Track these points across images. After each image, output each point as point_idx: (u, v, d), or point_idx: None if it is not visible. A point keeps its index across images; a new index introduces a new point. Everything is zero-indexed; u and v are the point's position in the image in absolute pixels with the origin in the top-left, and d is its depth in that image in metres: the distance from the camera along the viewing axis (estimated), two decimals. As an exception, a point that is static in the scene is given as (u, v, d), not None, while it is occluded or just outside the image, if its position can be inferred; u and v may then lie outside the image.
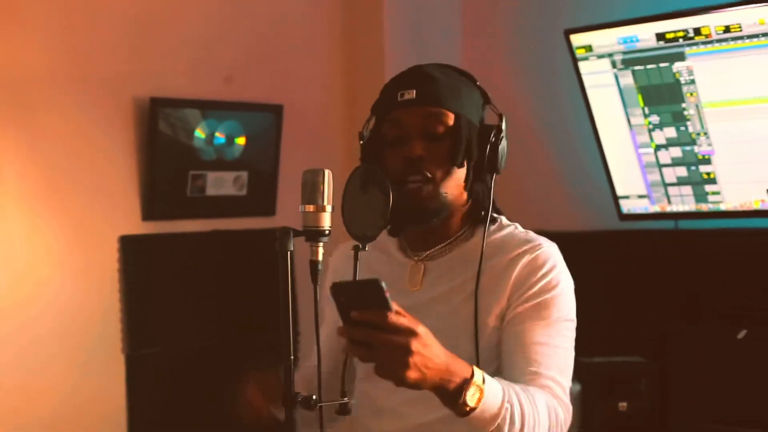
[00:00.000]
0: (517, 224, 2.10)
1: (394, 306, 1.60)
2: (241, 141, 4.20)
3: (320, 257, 1.75)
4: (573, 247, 4.04)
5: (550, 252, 2.00)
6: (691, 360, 3.77)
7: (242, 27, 4.29)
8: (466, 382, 1.67)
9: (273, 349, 1.77)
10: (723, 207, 3.80)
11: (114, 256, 3.90)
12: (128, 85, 3.93)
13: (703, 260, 3.87)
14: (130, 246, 3.92)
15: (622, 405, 3.75)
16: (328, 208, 1.75)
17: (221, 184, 4.18)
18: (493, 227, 2.06)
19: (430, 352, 1.61)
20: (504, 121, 2.05)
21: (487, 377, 1.72)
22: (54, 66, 3.76)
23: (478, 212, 2.06)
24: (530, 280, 1.96)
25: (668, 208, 3.96)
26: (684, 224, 3.98)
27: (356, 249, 1.85)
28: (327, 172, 1.75)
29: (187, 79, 4.09)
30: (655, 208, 4.00)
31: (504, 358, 1.95)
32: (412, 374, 1.59)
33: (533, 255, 1.98)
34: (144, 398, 3.95)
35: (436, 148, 1.98)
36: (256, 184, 4.28)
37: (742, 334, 3.60)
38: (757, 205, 3.71)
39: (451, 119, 1.99)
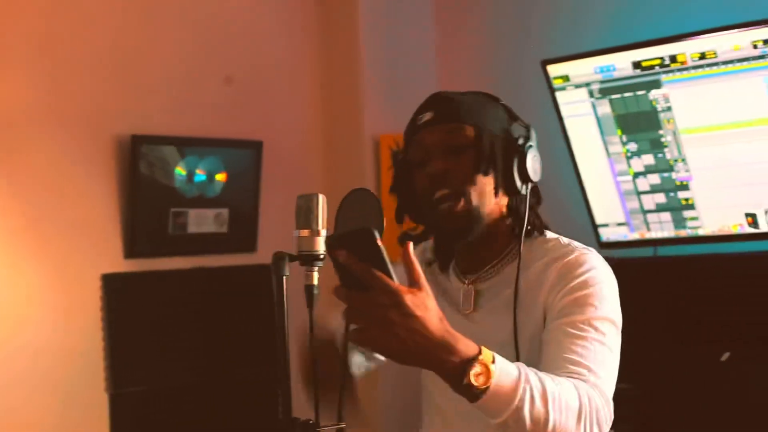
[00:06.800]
0: (561, 236, 2.06)
1: (387, 258, 1.49)
2: (221, 177, 4.21)
3: (315, 281, 1.75)
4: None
5: (587, 257, 1.95)
6: (674, 384, 3.77)
7: (221, 65, 4.31)
8: (470, 362, 1.52)
9: (258, 382, 1.75)
10: (701, 232, 3.84)
11: (96, 295, 3.89)
12: (109, 122, 3.95)
13: (684, 286, 3.87)
14: (112, 284, 3.92)
15: (608, 432, 3.73)
16: (323, 232, 1.75)
17: (202, 221, 4.18)
18: (537, 241, 2.04)
19: (417, 323, 1.48)
20: (531, 131, 2.08)
21: (500, 358, 1.57)
22: (34, 104, 3.77)
23: (517, 227, 2.03)
24: (563, 281, 1.90)
25: (647, 235, 3.99)
26: (663, 251, 4.00)
27: None
28: (321, 196, 1.75)
29: (168, 117, 4.11)
30: (635, 236, 4.03)
31: (541, 357, 1.86)
32: (392, 342, 1.48)
33: (565, 259, 1.94)
34: (128, 437, 3.93)
35: (459, 161, 1.99)
36: (237, 221, 4.28)
37: (725, 357, 3.61)
38: (735, 230, 3.74)
39: (470, 132, 2.00)
